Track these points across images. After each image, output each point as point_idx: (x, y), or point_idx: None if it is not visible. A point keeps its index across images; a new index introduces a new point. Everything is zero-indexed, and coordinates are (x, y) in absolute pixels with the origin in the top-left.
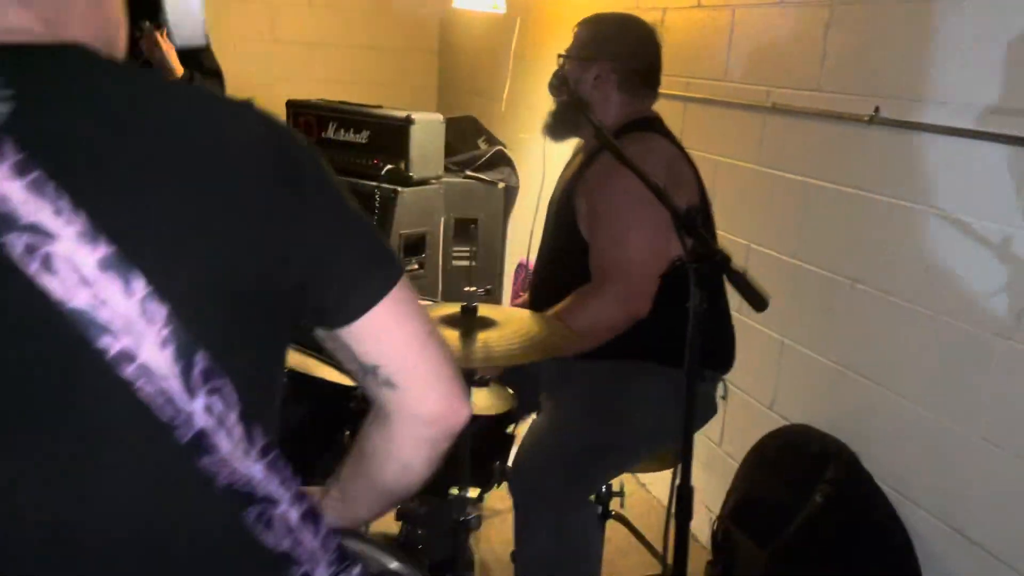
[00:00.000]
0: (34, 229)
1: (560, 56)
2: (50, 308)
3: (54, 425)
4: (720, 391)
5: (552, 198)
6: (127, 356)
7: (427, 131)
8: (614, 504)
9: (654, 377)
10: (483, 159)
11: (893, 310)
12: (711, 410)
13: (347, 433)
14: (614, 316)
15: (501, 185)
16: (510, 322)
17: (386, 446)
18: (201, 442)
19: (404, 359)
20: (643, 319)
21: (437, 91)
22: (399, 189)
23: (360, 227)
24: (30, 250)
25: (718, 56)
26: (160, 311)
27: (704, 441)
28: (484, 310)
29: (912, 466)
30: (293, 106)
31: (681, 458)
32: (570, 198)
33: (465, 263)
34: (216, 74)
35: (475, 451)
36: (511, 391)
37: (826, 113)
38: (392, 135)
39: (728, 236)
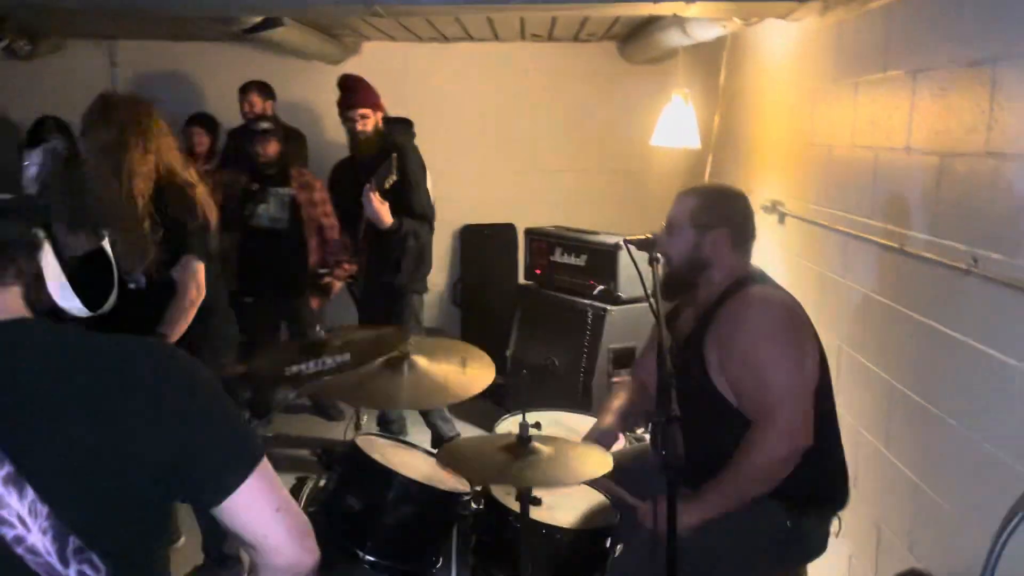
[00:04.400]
0: None
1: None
2: None
3: None
4: (835, 527)
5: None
6: (19, 540)
7: (636, 255)
8: None
9: (755, 512)
10: None
11: (996, 465)
12: (814, 548)
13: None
14: (780, 451)
15: None
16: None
17: None
18: None
19: (262, 529)
20: None
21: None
22: (608, 308)
23: (225, 425)
24: None
25: (865, 195)
26: (43, 510)
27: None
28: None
29: None
30: (529, 234)
31: None
32: (697, 350)
33: None
34: (423, 217)
35: (570, 563)
36: (612, 506)
37: (931, 260)
38: (604, 259)
39: (873, 368)
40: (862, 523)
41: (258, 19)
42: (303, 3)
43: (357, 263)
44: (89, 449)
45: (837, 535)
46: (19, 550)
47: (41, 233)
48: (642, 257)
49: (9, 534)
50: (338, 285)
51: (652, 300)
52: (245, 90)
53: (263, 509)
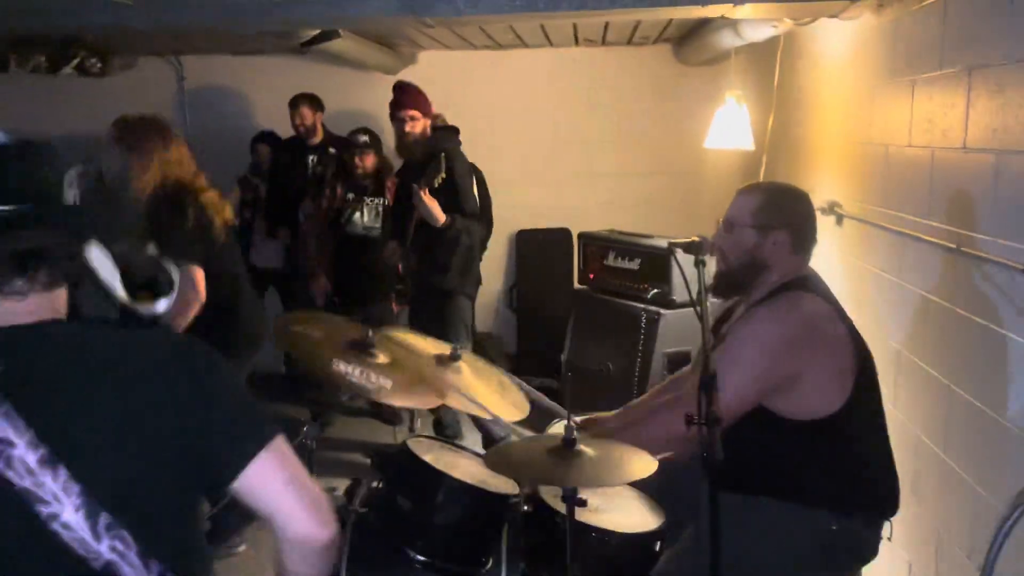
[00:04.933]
0: (2, 441)
1: (730, 222)
2: (8, 487)
3: (12, 554)
4: (887, 532)
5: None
6: (54, 516)
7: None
8: None
9: (799, 516)
10: None
11: None
12: (865, 552)
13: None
14: (679, 431)
15: None
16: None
17: (283, 560)
18: (109, 569)
19: (275, 503)
20: (798, 462)
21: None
22: (662, 311)
23: (235, 407)
24: None
25: (922, 195)
26: (75, 488)
27: None
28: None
29: None
30: (583, 238)
31: None
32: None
33: None
34: (474, 215)
35: (619, 567)
36: (660, 509)
37: (989, 260)
38: (657, 263)
39: (931, 371)
40: (921, 530)
41: (315, 32)
42: (354, 17)
43: (407, 266)
44: (114, 430)
45: (890, 539)
46: (55, 526)
47: (84, 243)
48: (689, 260)
49: (45, 511)
50: None
51: (697, 305)
52: (295, 103)
53: (273, 484)
